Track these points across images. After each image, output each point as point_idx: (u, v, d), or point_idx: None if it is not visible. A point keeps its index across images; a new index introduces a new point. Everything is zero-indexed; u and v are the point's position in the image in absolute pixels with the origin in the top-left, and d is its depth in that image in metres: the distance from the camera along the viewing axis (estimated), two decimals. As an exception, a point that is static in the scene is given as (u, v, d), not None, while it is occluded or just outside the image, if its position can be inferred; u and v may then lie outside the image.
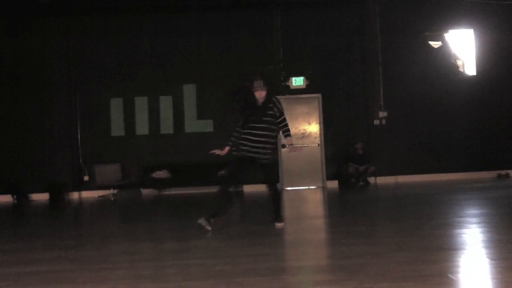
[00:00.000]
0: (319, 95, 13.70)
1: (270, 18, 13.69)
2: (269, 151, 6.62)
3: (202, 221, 6.50)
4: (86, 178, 13.47)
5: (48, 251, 5.82)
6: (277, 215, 6.87)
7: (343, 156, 13.41)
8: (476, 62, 13.73)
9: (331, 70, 13.69)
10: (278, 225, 6.77)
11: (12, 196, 13.16)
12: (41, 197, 13.12)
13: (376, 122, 13.67)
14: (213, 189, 12.69)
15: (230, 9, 13.56)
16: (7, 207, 12.12)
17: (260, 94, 6.62)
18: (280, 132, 6.81)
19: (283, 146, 13.65)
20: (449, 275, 3.99)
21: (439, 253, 4.84)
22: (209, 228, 6.49)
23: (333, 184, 13.35)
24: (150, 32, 13.65)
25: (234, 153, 6.73)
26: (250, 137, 6.57)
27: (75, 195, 13.40)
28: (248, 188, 13.27)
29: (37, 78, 13.53)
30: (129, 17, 13.59)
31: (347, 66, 13.74)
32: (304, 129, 13.74)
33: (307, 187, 13.51)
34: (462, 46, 13.72)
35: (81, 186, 13.48)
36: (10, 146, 13.43)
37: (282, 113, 6.73)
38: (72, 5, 13.00)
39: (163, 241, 6.19)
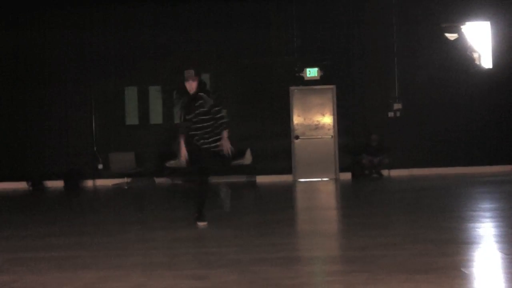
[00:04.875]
0: (333, 87, 13.66)
1: (286, 9, 13.63)
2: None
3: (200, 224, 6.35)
4: (100, 166, 13.58)
5: (63, 238, 5.90)
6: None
7: (357, 147, 13.39)
8: (493, 55, 13.59)
9: (346, 62, 13.64)
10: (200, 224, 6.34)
11: (27, 183, 13.30)
12: (56, 184, 13.25)
13: (391, 114, 13.61)
14: (229, 178, 12.81)
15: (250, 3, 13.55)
16: (22, 194, 12.26)
17: (191, 85, 6.29)
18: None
19: (297, 137, 13.66)
20: (462, 269, 3.99)
21: (452, 246, 4.83)
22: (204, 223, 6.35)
23: (346, 176, 13.33)
24: (165, 22, 13.66)
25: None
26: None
27: (90, 183, 13.51)
28: (261, 179, 13.31)
29: (54, 67, 13.62)
30: (145, 7, 13.61)
31: (362, 58, 13.67)
32: (317, 121, 13.72)
33: (320, 179, 13.51)
34: (479, 39, 13.59)
35: (95, 174, 13.59)
36: (26, 134, 13.56)
37: (213, 106, 6.34)
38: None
39: (177, 229, 6.23)
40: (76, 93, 13.65)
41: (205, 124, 6.29)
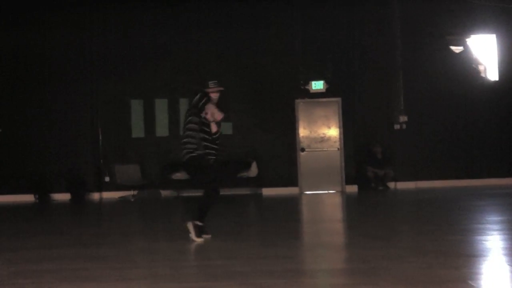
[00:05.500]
0: (339, 99, 13.67)
1: (292, 21, 13.69)
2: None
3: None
4: (106, 178, 13.60)
5: (69, 249, 5.89)
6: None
7: (363, 160, 13.37)
8: (498, 67, 13.59)
9: (351, 74, 13.66)
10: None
11: (34, 195, 13.33)
12: (62, 196, 13.27)
13: (397, 126, 13.59)
14: (231, 191, 12.80)
15: (252, 11, 13.60)
16: (29, 206, 12.28)
17: (216, 96, 6.30)
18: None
19: (303, 149, 13.65)
20: (469, 282, 3.95)
21: (459, 259, 4.79)
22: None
23: (352, 189, 13.30)
24: (169, 33, 13.72)
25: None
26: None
27: (96, 195, 13.53)
28: (267, 191, 13.29)
29: (60, 80, 13.67)
30: (151, 17, 13.70)
31: (367, 70, 13.70)
32: (323, 133, 13.72)
33: (326, 191, 13.48)
34: (484, 51, 13.60)
35: (101, 186, 13.61)
36: (33, 146, 13.60)
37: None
38: (94, 4, 13.19)
39: (182, 241, 6.21)
40: (82, 106, 13.71)
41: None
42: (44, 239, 6.85)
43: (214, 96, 6.30)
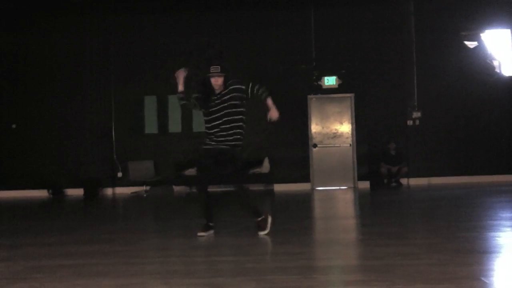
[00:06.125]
0: (351, 95, 13.63)
1: (304, 17, 13.67)
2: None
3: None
4: (119, 174, 13.69)
5: (82, 245, 5.94)
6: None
7: (375, 156, 13.32)
8: (513, 63, 13.46)
9: (364, 70, 13.61)
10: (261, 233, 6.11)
11: (48, 191, 13.46)
12: (76, 192, 13.38)
13: (410, 122, 13.53)
14: (247, 186, 12.79)
15: (264, 7, 13.59)
16: (43, 201, 12.39)
17: (216, 81, 6.27)
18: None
19: (315, 145, 13.63)
20: (482, 278, 3.93)
21: (472, 255, 4.77)
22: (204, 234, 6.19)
23: (365, 185, 13.26)
24: (183, 30, 13.76)
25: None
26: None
27: (109, 191, 13.62)
28: (279, 187, 13.30)
29: (75, 76, 13.81)
30: (162, 16, 13.74)
31: (380, 66, 13.64)
32: (336, 129, 13.69)
33: (338, 187, 13.46)
34: (499, 46, 13.47)
35: (115, 182, 13.69)
36: (47, 142, 13.73)
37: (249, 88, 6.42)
38: (107, 3, 13.25)
39: (194, 237, 6.24)
40: (97, 102, 13.80)
41: (228, 118, 6.24)
42: (58, 235, 6.91)
43: (214, 81, 6.26)
